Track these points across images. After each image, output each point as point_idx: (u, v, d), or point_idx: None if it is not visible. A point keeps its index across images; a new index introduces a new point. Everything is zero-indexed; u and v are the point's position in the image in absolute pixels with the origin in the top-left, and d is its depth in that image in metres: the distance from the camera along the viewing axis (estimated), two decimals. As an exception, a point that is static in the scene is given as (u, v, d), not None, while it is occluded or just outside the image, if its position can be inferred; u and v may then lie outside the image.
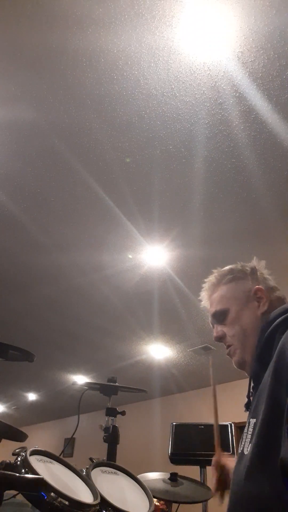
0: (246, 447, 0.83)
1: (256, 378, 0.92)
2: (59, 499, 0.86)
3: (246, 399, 0.99)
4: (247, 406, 0.96)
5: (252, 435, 0.81)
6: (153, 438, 6.60)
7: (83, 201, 2.99)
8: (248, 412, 0.94)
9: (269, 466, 0.71)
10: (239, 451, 0.88)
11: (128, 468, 1.24)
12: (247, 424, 0.88)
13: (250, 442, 0.82)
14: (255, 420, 0.82)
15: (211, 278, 1.19)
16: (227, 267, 1.18)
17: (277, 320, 0.88)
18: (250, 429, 0.84)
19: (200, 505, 2.08)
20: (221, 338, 1.11)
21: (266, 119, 2.28)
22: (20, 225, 3.25)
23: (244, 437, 0.87)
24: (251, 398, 0.95)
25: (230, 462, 1.21)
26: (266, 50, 1.96)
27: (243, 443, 0.87)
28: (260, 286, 1.09)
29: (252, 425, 0.83)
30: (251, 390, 0.95)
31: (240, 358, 1.06)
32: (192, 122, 2.34)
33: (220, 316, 1.13)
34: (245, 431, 0.88)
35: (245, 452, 0.83)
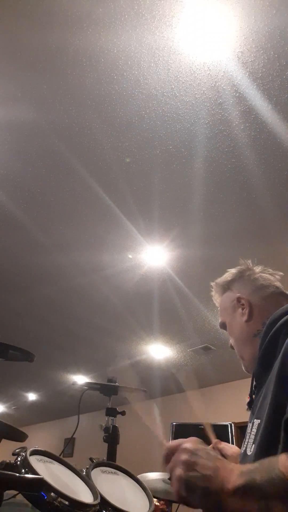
0: (249, 448, 0.83)
1: (258, 378, 0.92)
2: (59, 499, 0.86)
3: (248, 399, 0.99)
4: (250, 404, 0.96)
5: (255, 435, 0.81)
6: (153, 438, 6.60)
7: (83, 201, 2.99)
8: (250, 411, 0.94)
9: None
10: (242, 450, 0.88)
11: (128, 468, 1.23)
12: (250, 424, 0.87)
13: (253, 443, 0.81)
14: (259, 421, 0.82)
15: (213, 290, 1.22)
16: (223, 276, 1.21)
17: (281, 321, 0.87)
18: (254, 430, 0.83)
19: (200, 505, 2.07)
20: (232, 347, 1.16)
21: (266, 119, 2.28)
22: (20, 225, 3.25)
23: (247, 437, 0.87)
24: (254, 397, 0.95)
25: (227, 447, 1.22)
26: (266, 50, 1.96)
27: (246, 443, 0.86)
28: (239, 295, 1.10)
29: (256, 425, 0.83)
30: (254, 389, 0.95)
31: (244, 367, 1.10)
32: (192, 122, 2.34)
33: (223, 328, 1.18)
34: (248, 431, 0.87)
35: (248, 452, 0.82)
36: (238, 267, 1.18)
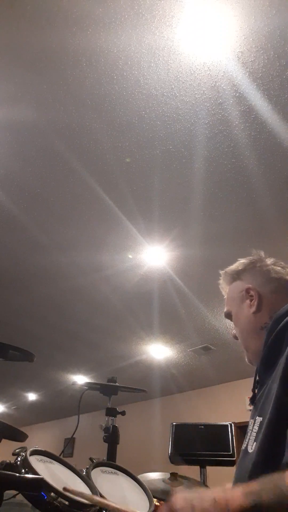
0: (251, 445, 0.83)
1: (262, 373, 0.92)
2: (59, 499, 0.86)
3: (250, 397, 0.99)
4: (253, 400, 0.95)
5: (257, 433, 0.81)
6: (153, 438, 6.60)
7: (83, 201, 2.99)
8: (252, 407, 0.93)
9: (273, 467, 0.71)
10: (243, 447, 0.88)
11: (128, 468, 1.23)
12: (252, 421, 0.87)
13: (255, 440, 0.81)
14: (261, 418, 0.81)
15: (221, 278, 1.20)
16: (234, 265, 1.18)
17: (287, 318, 0.86)
18: (256, 427, 0.83)
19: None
20: (235, 337, 1.14)
21: (266, 119, 2.28)
22: (20, 225, 3.25)
23: (248, 434, 0.86)
24: (256, 392, 0.94)
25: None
26: (266, 50, 1.96)
27: (247, 440, 0.86)
28: (249, 285, 1.08)
29: (258, 423, 0.82)
30: (257, 384, 0.95)
31: (247, 358, 1.09)
32: (192, 122, 2.34)
33: (228, 317, 1.17)
34: (249, 428, 0.87)
35: (249, 450, 0.82)
36: (250, 257, 1.16)
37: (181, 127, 2.37)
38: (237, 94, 2.17)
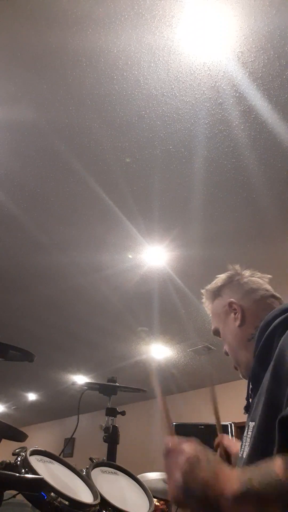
0: (245, 450, 0.82)
1: (255, 380, 0.92)
2: (59, 499, 0.86)
3: (246, 401, 0.99)
4: (247, 408, 0.95)
5: (251, 438, 0.81)
6: (153, 438, 6.60)
7: (83, 201, 2.99)
8: (247, 415, 0.93)
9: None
10: (239, 455, 0.87)
11: (128, 468, 1.24)
12: (246, 427, 0.87)
13: (249, 446, 0.81)
14: (254, 423, 0.81)
15: (204, 297, 1.21)
16: (213, 282, 1.20)
17: (275, 322, 0.87)
18: (250, 432, 0.83)
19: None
20: (226, 354, 1.16)
21: (266, 119, 2.28)
22: (20, 225, 3.25)
23: (243, 441, 0.86)
24: (251, 400, 0.94)
25: (232, 444, 1.22)
26: (266, 50, 1.96)
27: (243, 447, 0.86)
28: (231, 300, 1.09)
29: (251, 428, 0.82)
30: (251, 392, 0.95)
31: (241, 374, 1.10)
32: (192, 122, 2.34)
33: (216, 334, 1.18)
34: (244, 435, 0.87)
35: (243, 456, 0.82)
36: (227, 272, 1.18)
37: (181, 127, 2.37)
38: (237, 94, 2.17)
